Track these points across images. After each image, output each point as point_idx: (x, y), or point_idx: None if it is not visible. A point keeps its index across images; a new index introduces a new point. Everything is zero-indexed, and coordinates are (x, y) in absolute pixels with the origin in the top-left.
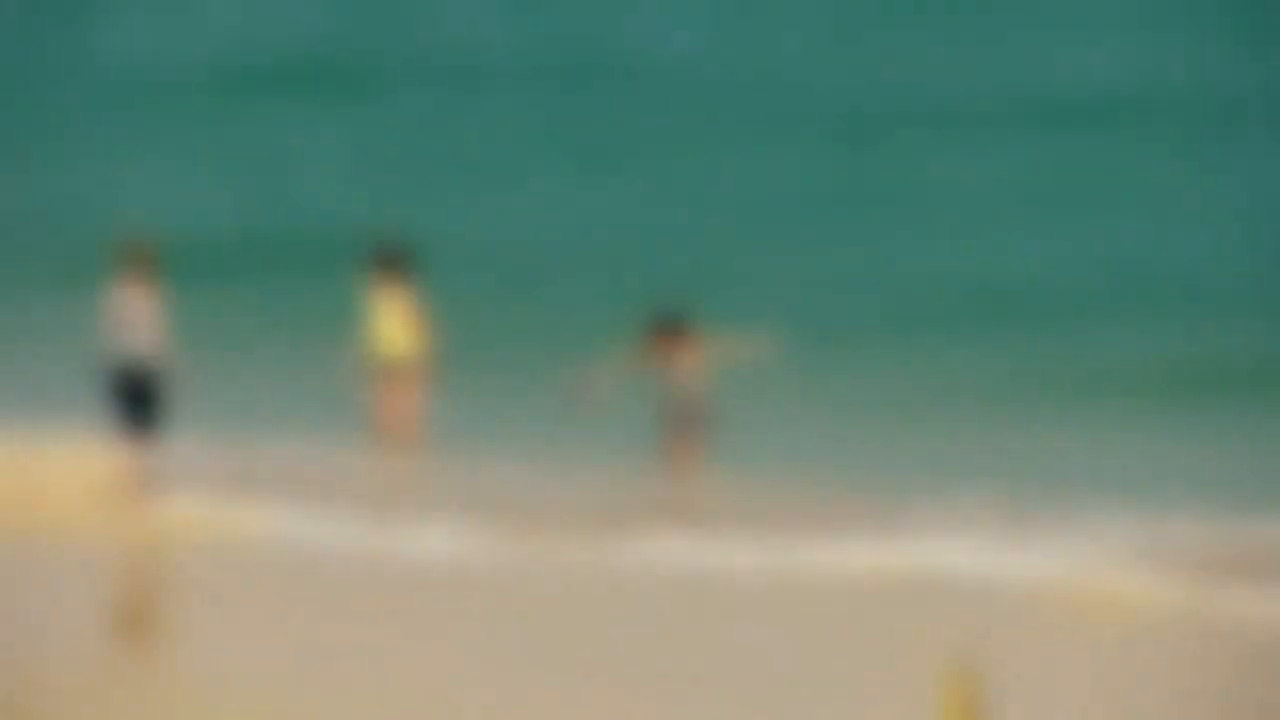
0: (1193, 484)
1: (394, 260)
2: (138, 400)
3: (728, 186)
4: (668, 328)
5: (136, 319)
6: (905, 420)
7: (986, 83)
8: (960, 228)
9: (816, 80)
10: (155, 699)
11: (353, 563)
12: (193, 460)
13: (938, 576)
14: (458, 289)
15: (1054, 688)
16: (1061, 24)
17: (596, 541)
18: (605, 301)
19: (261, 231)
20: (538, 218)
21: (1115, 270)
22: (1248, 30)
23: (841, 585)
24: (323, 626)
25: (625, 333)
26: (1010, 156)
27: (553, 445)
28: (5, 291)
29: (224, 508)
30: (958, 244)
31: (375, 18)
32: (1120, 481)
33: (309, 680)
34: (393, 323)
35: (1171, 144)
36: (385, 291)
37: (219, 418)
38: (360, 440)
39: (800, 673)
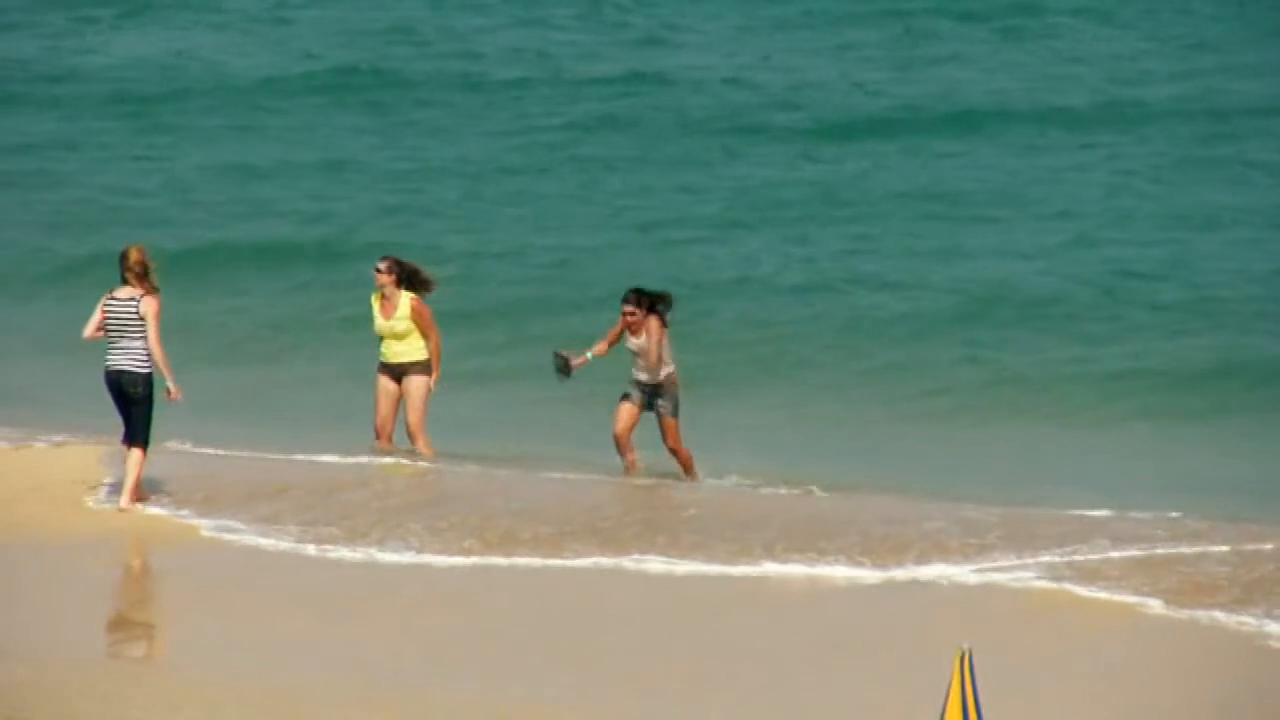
0: (1195, 486)
1: (401, 265)
2: (127, 406)
3: (743, 186)
4: (635, 302)
5: (130, 325)
6: (905, 420)
7: (1005, 87)
8: (966, 227)
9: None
10: (147, 699)
11: (348, 565)
12: (188, 464)
13: (937, 578)
14: (460, 290)
15: (1053, 690)
16: (1077, 30)
17: (587, 547)
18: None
19: (265, 233)
20: (555, 222)
21: (1119, 272)
22: (1266, 33)
23: (839, 587)
24: (319, 628)
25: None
26: (1026, 158)
27: (547, 448)
28: (6, 290)
29: (218, 511)
30: (964, 244)
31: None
32: (1121, 483)
33: (304, 682)
34: (396, 327)
35: (1188, 145)
36: (389, 295)
37: (218, 420)
38: (361, 443)
39: (799, 675)
